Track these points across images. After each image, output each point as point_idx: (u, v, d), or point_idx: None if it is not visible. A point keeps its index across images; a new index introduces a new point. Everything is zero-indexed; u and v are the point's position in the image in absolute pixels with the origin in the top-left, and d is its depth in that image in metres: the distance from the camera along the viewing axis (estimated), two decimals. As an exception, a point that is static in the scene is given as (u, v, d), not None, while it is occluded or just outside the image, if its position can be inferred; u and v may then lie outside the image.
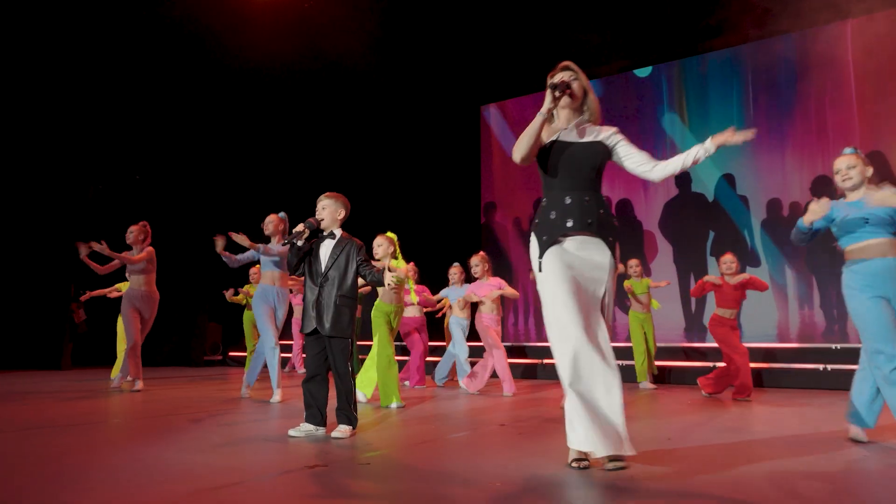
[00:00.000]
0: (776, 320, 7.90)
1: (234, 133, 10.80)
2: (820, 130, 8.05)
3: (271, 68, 9.24)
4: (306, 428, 3.28)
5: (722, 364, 6.05)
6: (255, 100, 10.13)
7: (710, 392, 5.59)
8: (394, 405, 4.69)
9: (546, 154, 2.70)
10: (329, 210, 3.50)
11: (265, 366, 5.37)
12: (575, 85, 2.70)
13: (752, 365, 6.16)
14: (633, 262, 6.64)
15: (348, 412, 3.31)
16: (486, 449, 2.92)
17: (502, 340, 6.08)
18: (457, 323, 6.54)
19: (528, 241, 2.94)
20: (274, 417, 4.03)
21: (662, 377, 7.21)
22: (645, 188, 8.90)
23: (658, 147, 8.82)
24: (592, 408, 2.40)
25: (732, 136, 2.55)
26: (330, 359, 3.36)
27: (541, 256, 2.61)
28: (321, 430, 3.30)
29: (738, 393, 5.38)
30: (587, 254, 2.60)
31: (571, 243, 2.60)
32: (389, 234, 5.08)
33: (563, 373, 2.45)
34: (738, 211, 8.32)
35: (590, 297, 2.56)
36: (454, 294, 6.45)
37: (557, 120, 2.76)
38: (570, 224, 2.59)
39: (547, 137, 2.71)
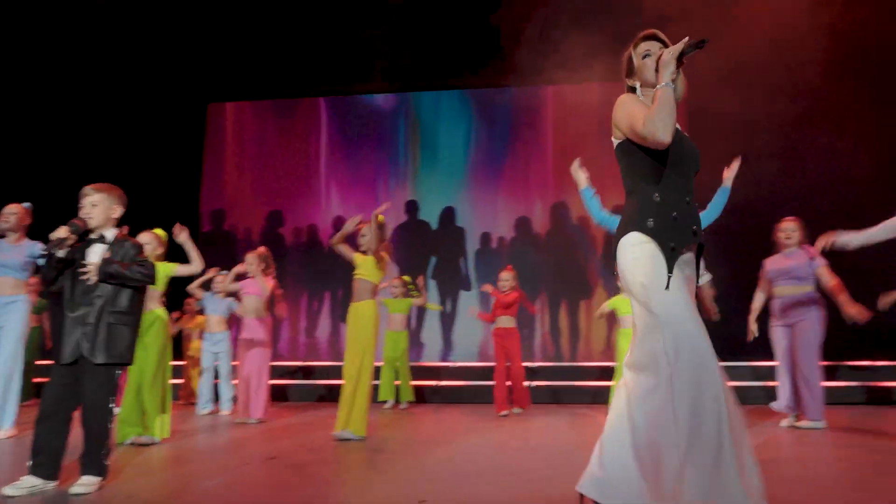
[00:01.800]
0: (480, 339, 8.96)
1: None
2: (525, 177, 9.38)
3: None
4: (30, 482, 2.73)
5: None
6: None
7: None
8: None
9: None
10: (100, 207, 2.96)
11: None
12: None
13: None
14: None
15: (97, 459, 2.83)
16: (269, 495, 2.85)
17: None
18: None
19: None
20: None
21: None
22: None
23: (379, 173, 9.38)
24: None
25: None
26: (86, 391, 2.82)
27: (670, 270, 2.10)
28: (51, 485, 2.78)
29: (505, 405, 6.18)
30: (692, 268, 2.25)
31: (687, 257, 2.22)
32: (158, 230, 4.57)
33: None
34: (456, 240, 9.26)
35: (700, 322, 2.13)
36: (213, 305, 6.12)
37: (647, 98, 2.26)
38: (695, 230, 2.19)
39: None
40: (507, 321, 6.36)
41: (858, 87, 7.29)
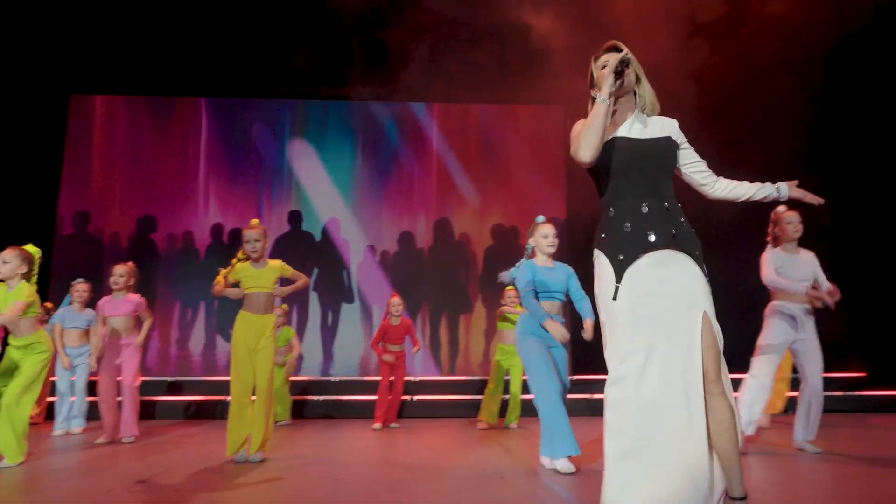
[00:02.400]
0: (361, 353, 8.94)
1: None
2: (409, 193, 9.51)
3: None
4: None
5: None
6: None
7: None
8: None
9: (608, 154, 2.26)
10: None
11: None
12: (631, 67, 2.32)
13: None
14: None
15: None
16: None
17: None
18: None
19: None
20: None
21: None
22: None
23: (262, 181, 9.17)
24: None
25: (805, 195, 2.47)
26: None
27: (618, 280, 2.16)
28: None
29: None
30: (673, 274, 2.18)
31: (652, 262, 2.19)
32: (29, 246, 4.17)
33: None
34: (340, 252, 9.20)
35: (677, 327, 2.13)
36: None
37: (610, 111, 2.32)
38: (652, 238, 2.18)
39: (606, 133, 2.27)
40: (396, 348, 6.45)
41: (728, 128, 7.93)
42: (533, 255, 4.22)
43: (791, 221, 4.49)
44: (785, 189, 2.43)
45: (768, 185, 2.42)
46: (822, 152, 7.87)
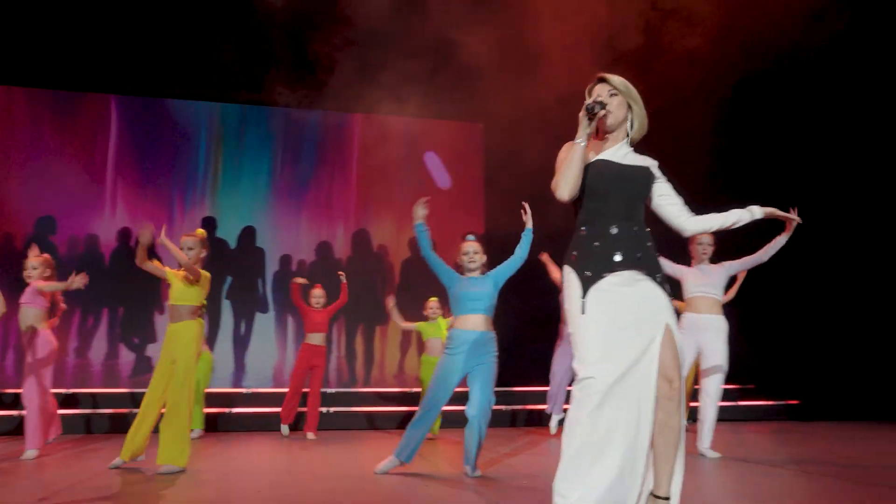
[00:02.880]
0: (275, 363, 8.77)
1: None
2: (328, 202, 9.44)
3: None
4: None
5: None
6: None
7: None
8: None
9: (590, 175, 2.37)
10: None
11: None
12: (615, 102, 2.42)
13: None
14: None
15: None
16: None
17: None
18: None
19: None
20: None
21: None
22: (170, 226, 8.71)
23: (175, 185, 8.84)
24: None
25: (780, 213, 2.65)
26: None
27: (584, 296, 2.29)
28: None
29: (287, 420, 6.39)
30: (636, 293, 2.32)
31: (617, 281, 2.32)
32: None
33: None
34: (255, 260, 8.99)
35: (638, 343, 2.27)
36: None
37: (596, 136, 2.49)
38: (618, 258, 2.31)
39: (590, 156, 2.41)
40: (317, 338, 6.41)
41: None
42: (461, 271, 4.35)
43: (702, 242, 4.88)
44: (758, 210, 2.58)
45: (737, 210, 2.56)
46: (731, 176, 8.45)
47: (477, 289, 4.17)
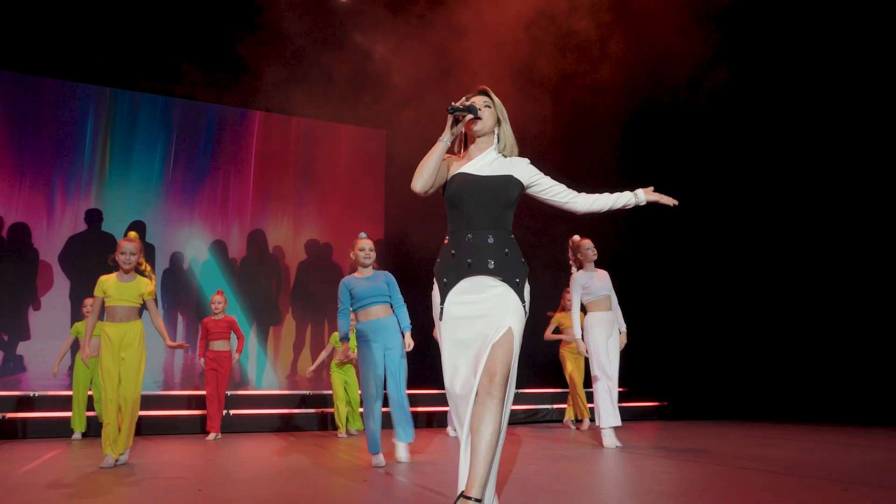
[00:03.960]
0: (162, 367, 8.48)
1: None
2: (223, 199, 9.25)
3: None
4: None
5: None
6: None
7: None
8: None
9: (449, 187, 2.50)
10: None
11: None
12: (486, 113, 2.54)
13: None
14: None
15: None
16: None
17: None
18: None
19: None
20: None
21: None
22: (49, 217, 8.24)
23: (57, 172, 8.35)
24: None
25: (662, 198, 2.69)
26: None
27: (443, 302, 2.43)
28: None
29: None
30: (485, 298, 2.40)
31: (469, 285, 2.42)
32: None
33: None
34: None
35: (478, 343, 2.36)
36: None
37: (465, 149, 2.60)
38: (469, 262, 2.41)
39: (455, 169, 2.53)
40: (220, 345, 6.57)
41: (549, 170, 8.90)
42: (354, 268, 4.58)
43: (589, 247, 5.43)
44: (642, 194, 2.67)
45: (626, 192, 2.67)
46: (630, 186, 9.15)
47: (371, 283, 4.48)
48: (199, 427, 7.13)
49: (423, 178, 2.42)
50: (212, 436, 6.45)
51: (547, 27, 7.16)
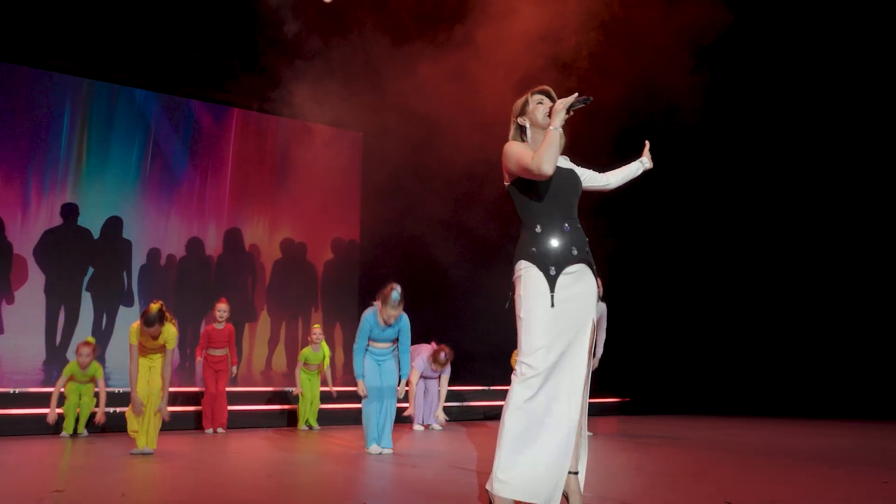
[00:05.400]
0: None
1: None
2: (200, 197, 9.32)
3: None
4: None
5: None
6: None
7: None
8: None
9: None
10: None
11: None
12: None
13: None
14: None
15: None
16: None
17: None
18: None
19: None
20: None
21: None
22: (24, 211, 8.22)
23: (33, 164, 8.28)
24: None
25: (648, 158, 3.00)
26: None
27: (553, 290, 2.47)
28: None
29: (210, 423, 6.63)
30: (585, 286, 2.56)
31: (574, 274, 2.54)
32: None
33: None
34: (120, 252, 8.67)
35: (578, 334, 2.49)
36: None
37: (532, 141, 2.67)
38: (575, 252, 2.53)
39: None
40: (220, 352, 6.80)
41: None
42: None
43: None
44: (647, 161, 2.99)
45: (635, 162, 2.98)
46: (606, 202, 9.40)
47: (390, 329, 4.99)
48: (192, 423, 7.12)
49: (553, 161, 2.43)
50: (210, 430, 6.65)
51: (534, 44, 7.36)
